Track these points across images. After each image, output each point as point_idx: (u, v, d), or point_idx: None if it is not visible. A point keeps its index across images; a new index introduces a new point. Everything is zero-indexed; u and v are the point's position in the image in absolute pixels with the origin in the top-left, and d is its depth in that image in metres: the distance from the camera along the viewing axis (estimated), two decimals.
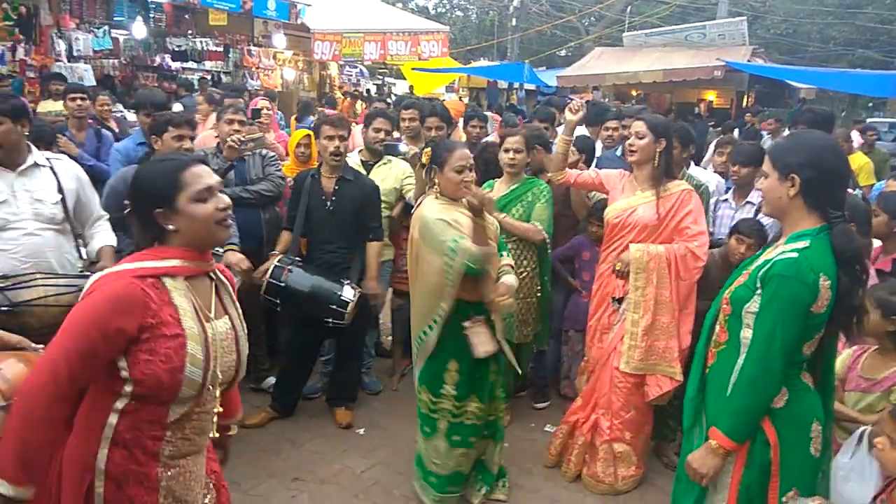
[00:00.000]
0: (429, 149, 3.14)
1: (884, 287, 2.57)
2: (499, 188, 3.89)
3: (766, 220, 3.57)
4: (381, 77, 21.53)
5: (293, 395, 4.09)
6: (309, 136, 4.84)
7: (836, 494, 2.18)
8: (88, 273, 2.93)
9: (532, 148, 3.94)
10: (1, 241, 2.72)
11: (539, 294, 3.92)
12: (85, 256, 3.02)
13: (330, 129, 3.78)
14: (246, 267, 3.47)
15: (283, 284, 3.65)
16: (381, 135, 4.40)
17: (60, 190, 2.91)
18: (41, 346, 2.13)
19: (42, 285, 2.62)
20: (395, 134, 5.27)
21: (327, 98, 13.38)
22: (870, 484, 2.08)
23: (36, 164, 2.90)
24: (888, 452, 1.92)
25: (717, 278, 3.32)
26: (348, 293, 3.66)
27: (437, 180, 3.05)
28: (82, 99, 5.36)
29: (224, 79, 13.30)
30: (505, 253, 3.21)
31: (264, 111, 5.26)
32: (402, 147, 4.19)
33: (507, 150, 3.80)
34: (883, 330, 2.49)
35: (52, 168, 2.93)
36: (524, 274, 3.79)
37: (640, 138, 3.30)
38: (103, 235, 3.11)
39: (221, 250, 3.47)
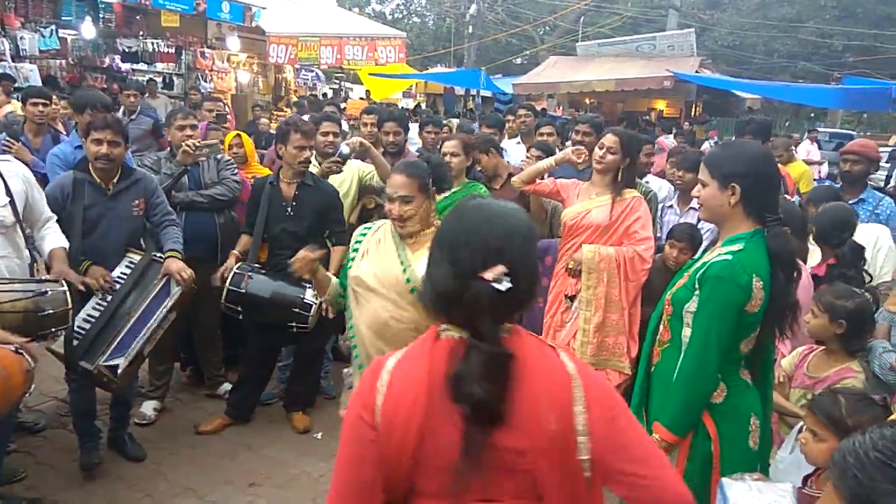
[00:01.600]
0: None
1: (830, 291, 2.68)
2: None
3: (705, 225, 3.74)
4: (337, 81, 21.44)
5: (250, 401, 4.07)
6: (240, 135, 4.85)
7: None
8: (42, 279, 2.88)
9: (470, 152, 4.02)
10: None
11: None
12: (38, 258, 2.96)
13: (301, 139, 3.77)
14: (187, 276, 3.37)
15: (243, 292, 3.64)
16: (330, 137, 4.43)
17: (9, 193, 2.85)
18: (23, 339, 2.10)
19: None
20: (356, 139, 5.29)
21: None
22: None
23: None
24: (811, 445, 2.04)
25: (660, 283, 3.48)
26: (311, 296, 3.66)
27: None
28: (44, 105, 5.09)
29: (176, 81, 13.10)
30: None
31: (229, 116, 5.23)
32: (344, 149, 4.22)
33: (444, 155, 3.88)
34: (831, 333, 2.61)
35: None
36: None
37: (613, 154, 3.48)
38: (53, 237, 3.05)
39: (163, 257, 3.43)
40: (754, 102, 17.19)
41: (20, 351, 2.35)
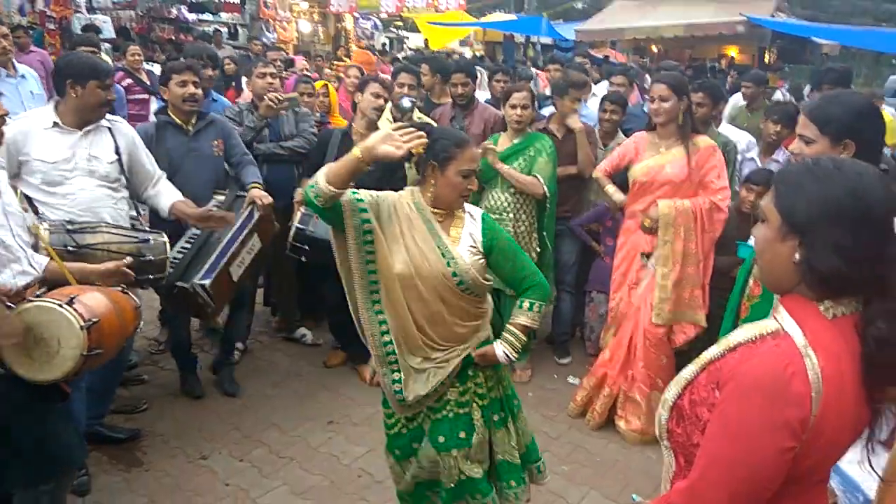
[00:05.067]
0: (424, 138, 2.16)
1: None
2: (503, 142, 3.97)
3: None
4: (395, 30, 21.23)
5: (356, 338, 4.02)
6: (326, 85, 5.03)
7: None
8: (145, 229, 3.07)
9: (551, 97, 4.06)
10: (58, 195, 2.87)
11: (538, 249, 4.01)
12: (138, 213, 3.17)
13: (378, 87, 3.86)
14: (267, 202, 3.51)
15: (311, 231, 3.70)
16: (405, 90, 4.44)
17: (117, 151, 3.06)
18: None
19: (107, 232, 2.75)
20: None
21: None
22: None
23: (98, 125, 3.02)
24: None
25: (733, 230, 3.45)
26: None
27: (432, 180, 2.28)
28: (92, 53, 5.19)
29: (240, 31, 13.25)
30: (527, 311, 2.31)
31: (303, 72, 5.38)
32: (405, 103, 4.19)
33: (513, 107, 3.85)
34: None
35: (110, 129, 3.06)
36: (522, 228, 3.93)
37: (665, 101, 3.38)
38: (169, 193, 3.26)
39: (246, 193, 3.59)
40: (832, 49, 16.23)
41: (126, 291, 2.54)
